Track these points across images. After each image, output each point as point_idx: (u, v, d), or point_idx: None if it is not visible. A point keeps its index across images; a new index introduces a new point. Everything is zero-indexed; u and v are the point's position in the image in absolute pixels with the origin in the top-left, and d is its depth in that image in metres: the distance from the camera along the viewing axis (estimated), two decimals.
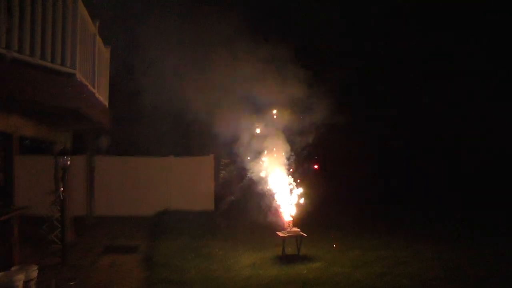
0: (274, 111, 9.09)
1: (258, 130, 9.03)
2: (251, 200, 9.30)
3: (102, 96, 8.09)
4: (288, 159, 8.95)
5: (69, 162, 8.09)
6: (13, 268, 6.15)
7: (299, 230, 8.50)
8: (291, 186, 8.85)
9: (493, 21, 16.65)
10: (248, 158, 9.00)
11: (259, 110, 9.15)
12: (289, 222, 8.56)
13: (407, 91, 17.84)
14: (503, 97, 17.04)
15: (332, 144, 15.47)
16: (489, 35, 17.10)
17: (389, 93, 17.72)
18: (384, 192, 17.40)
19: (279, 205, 8.82)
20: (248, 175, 9.06)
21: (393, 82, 17.67)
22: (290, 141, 9.02)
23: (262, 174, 8.90)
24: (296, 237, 8.34)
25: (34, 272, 6.08)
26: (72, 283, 6.67)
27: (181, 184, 14.81)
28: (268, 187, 8.88)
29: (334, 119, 9.81)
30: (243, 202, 9.22)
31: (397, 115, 17.78)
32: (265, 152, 8.93)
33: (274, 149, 8.92)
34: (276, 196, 8.85)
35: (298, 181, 8.87)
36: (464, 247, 9.12)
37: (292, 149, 9.00)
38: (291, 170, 8.89)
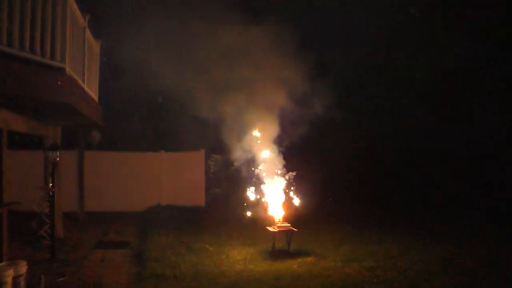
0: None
1: (256, 132, 9.03)
2: (239, 193, 9.31)
3: (92, 90, 8.03)
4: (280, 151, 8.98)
5: (58, 158, 8.02)
6: (1, 264, 6.10)
7: (289, 225, 8.53)
8: (283, 182, 8.87)
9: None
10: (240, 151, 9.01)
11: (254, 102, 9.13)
12: (279, 217, 8.59)
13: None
14: None
15: (327, 138, 15.49)
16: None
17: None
18: (377, 188, 17.52)
19: (268, 200, 8.84)
20: (237, 164, 9.11)
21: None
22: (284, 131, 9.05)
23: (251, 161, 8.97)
24: (286, 232, 8.37)
25: (23, 268, 6.02)
26: (62, 278, 6.64)
27: (172, 179, 14.78)
28: (257, 176, 8.92)
29: (332, 112, 9.84)
30: (232, 195, 9.24)
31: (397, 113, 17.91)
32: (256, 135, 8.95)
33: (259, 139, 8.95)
34: (266, 190, 8.87)
35: (290, 176, 8.89)
36: (455, 241, 9.21)
37: (284, 140, 9.02)
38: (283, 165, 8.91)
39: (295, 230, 8.45)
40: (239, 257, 7.94)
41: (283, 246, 8.39)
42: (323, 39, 14.95)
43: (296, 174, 8.89)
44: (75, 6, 6.19)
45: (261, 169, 8.95)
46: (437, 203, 15.08)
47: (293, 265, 7.44)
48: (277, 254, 8.11)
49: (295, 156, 9.39)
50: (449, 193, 16.09)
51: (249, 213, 9.07)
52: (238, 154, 9.20)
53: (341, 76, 14.93)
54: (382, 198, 16.17)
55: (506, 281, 6.54)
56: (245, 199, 8.97)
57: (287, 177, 8.88)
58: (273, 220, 8.65)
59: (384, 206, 14.55)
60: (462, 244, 9.02)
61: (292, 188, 8.86)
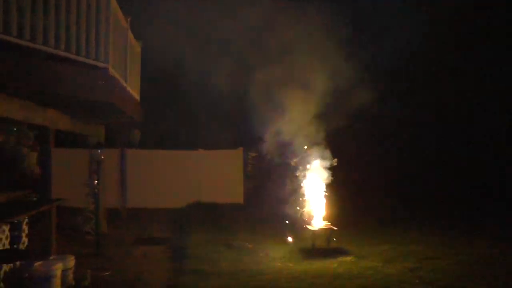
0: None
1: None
2: (280, 191, 9.24)
3: (134, 89, 8.23)
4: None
5: (102, 155, 8.27)
6: (51, 258, 6.36)
7: (329, 223, 8.46)
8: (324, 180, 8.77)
9: None
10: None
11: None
12: (319, 216, 8.53)
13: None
14: None
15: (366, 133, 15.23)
16: None
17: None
18: (418, 186, 17.13)
19: (309, 199, 8.78)
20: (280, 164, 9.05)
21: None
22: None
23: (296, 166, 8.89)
24: (326, 231, 8.29)
25: (71, 262, 6.26)
26: (107, 273, 6.85)
27: (211, 177, 14.90)
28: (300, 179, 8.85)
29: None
30: (272, 193, 9.19)
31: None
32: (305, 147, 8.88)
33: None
34: (307, 190, 8.81)
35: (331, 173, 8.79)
36: (500, 243, 8.87)
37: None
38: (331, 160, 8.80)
39: (335, 229, 8.36)
40: (278, 255, 7.93)
41: (323, 245, 8.31)
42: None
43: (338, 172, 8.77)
44: (118, 9, 6.35)
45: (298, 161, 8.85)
46: (478, 201, 14.59)
47: (333, 264, 7.35)
48: (316, 253, 8.04)
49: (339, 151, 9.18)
50: (490, 191, 15.58)
51: (290, 239, 8.98)
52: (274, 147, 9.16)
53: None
54: (422, 197, 15.79)
55: None
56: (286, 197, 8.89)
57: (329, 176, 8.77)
58: (313, 219, 8.59)
59: (424, 206, 14.16)
60: (506, 242, 8.71)
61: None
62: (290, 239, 8.79)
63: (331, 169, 8.88)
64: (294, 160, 8.98)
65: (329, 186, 8.84)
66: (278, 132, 9.27)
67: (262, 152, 10.00)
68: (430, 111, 17.58)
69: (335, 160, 8.77)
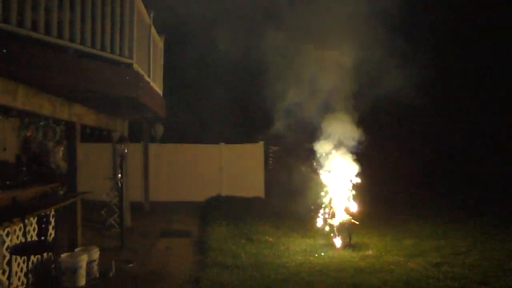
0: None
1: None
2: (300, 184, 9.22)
3: (157, 85, 8.32)
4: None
5: (126, 150, 8.41)
6: (77, 250, 6.52)
7: (350, 218, 8.43)
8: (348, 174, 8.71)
9: None
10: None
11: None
12: (341, 209, 8.50)
13: None
14: None
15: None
16: None
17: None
18: (443, 180, 16.98)
19: (331, 192, 8.74)
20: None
21: None
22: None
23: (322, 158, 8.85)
24: (348, 225, 8.27)
25: (96, 254, 6.41)
26: (131, 265, 6.99)
27: (232, 170, 15.03)
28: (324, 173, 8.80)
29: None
30: (293, 186, 9.17)
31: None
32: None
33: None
34: (328, 183, 8.77)
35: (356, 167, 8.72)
36: None
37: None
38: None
39: (357, 223, 8.33)
40: (299, 249, 7.95)
41: (344, 239, 8.29)
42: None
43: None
44: (141, 5, 6.42)
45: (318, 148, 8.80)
46: (504, 196, 14.33)
47: (355, 258, 7.34)
48: (338, 247, 8.03)
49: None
50: None
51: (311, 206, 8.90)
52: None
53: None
54: (447, 191, 15.60)
55: None
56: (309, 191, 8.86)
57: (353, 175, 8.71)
58: (335, 213, 8.57)
59: (449, 200, 13.98)
60: None
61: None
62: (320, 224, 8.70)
63: (356, 160, 8.80)
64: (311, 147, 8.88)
65: (354, 178, 8.76)
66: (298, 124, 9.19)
67: (283, 146, 9.94)
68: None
69: (360, 150, 8.69)
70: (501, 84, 17.72)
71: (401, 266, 6.86)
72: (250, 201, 13.76)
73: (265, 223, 10.05)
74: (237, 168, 15.10)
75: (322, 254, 7.66)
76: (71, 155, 6.88)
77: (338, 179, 8.69)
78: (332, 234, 8.31)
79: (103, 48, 5.40)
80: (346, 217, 8.44)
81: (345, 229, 8.28)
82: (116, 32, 5.59)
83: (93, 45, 5.28)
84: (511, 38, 16.82)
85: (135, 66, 5.98)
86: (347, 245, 8.08)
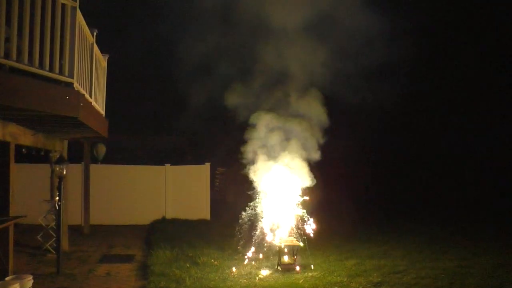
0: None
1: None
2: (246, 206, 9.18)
3: (99, 104, 8.10)
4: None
5: (65, 171, 8.07)
6: (7, 278, 6.11)
7: (295, 239, 8.50)
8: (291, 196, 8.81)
9: None
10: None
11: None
12: (285, 231, 8.56)
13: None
14: None
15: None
16: None
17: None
18: (381, 200, 17.62)
19: (275, 214, 8.79)
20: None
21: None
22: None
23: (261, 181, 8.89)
24: (292, 247, 8.33)
25: (29, 282, 6.05)
26: None
27: (177, 192, 14.79)
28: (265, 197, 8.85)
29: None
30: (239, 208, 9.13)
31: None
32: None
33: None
34: (272, 205, 8.82)
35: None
36: (460, 256, 9.16)
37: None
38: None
39: (301, 244, 8.41)
40: (244, 272, 7.90)
41: (289, 261, 8.34)
42: None
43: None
44: (83, 22, 6.27)
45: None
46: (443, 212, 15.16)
47: (299, 280, 7.38)
48: (282, 269, 8.06)
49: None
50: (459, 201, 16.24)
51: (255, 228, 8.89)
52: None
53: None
54: (389, 211, 16.20)
55: None
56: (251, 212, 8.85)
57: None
58: (278, 234, 8.61)
59: (390, 219, 14.51)
60: (469, 255, 9.08)
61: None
62: (250, 254, 8.67)
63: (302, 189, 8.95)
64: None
65: (298, 199, 8.88)
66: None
67: (229, 167, 9.93)
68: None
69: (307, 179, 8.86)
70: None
71: (344, 286, 6.99)
72: (196, 224, 13.56)
73: (211, 246, 9.92)
74: (183, 190, 14.88)
75: (267, 276, 7.65)
76: (3, 177, 6.50)
77: (282, 198, 8.76)
78: (276, 256, 8.33)
79: (41, 66, 5.19)
80: (290, 238, 8.50)
81: (289, 251, 8.34)
82: (56, 49, 5.40)
83: (30, 63, 5.07)
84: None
85: (76, 85, 5.80)
86: (291, 267, 8.12)
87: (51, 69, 5.35)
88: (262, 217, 8.75)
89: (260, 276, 7.65)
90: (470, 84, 18.93)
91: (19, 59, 4.93)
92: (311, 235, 8.67)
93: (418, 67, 18.19)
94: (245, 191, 9.08)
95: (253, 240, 8.73)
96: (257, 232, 8.68)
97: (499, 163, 18.69)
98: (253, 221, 8.82)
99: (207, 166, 15.26)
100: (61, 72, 5.52)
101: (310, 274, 7.74)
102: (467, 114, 19.39)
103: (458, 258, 8.91)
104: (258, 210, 8.83)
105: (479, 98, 18.90)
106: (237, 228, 8.85)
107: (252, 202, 8.90)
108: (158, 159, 15.93)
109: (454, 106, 19.64)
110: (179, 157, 17.57)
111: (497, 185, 18.15)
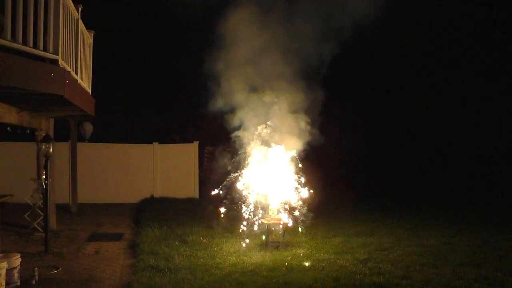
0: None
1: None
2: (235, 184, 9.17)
3: (85, 82, 7.98)
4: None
5: (51, 149, 7.99)
6: None
7: (283, 217, 8.57)
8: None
9: None
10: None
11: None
12: (274, 209, 8.61)
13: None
14: None
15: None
16: None
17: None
18: (370, 180, 17.85)
19: (264, 192, 8.80)
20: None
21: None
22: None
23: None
24: (280, 225, 8.40)
25: (17, 260, 6.02)
26: (56, 271, 6.64)
27: (166, 171, 14.77)
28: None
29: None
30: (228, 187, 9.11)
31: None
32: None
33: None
34: (262, 183, 8.81)
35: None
36: (445, 234, 9.35)
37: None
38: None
39: (288, 222, 8.49)
40: (232, 250, 7.96)
41: (277, 239, 8.42)
42: None
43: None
44: None
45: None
46: (428, 194, 15.40)
47: (287, 257, 7.47)
48: (270, 246, 8.14)
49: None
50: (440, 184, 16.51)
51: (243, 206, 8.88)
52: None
53: None
54: (375, 190, 16.40)
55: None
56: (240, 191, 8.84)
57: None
58: (268, 212, 8.66)
59: (376, 199, 14.70)
60: (453, 233, 9.30)
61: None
62: (239, 231, 8.72)
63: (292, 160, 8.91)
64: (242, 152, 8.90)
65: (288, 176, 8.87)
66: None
67: (218, 145, 9.85)
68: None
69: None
70: None
71: (331, 263, 7.09)
72: (185, 202, 13.59)
73: (199, 224, 9.97)
74: (171, 168, 14.86)
75: (255, 254, 7.73)
76: None
77: (272, 174, 8.72)
78: (265, 234, 8.41)
79: (25, 42, 5.07)
80: (278, 216, 8.56)
81: (278, 229, 8.41)
82: (40, 25, 5.27)
83: (13, 39, 4.95)
84: None
85: (61, 62, 5.69)
86: (279, 244, 8.21)
87: (35, 46, 5.24)
88: (250, 194, 8.73)
89: (248, 253, 7.72)
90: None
91: (1, 35, 4.82)
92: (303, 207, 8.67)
93: None
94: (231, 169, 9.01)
95: (242, 217, 8.76)
96: (246, 210, 8.70)
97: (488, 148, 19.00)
98: (242, 199, 8.81)
99: (195, 144, 15.22)
100: (45, 49, 5.41)
101: (297, 251, 7.83)
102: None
103: (443, 236, 9.11)
104: (247, 184, 8.79)
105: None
106: (225, 206, 8.86)
107: (234, 174, 8.84)
108: (146, 137, 15.81)
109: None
110: (167, 136, 17.45)
111: (486, 169, 18.49)
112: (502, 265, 6.93)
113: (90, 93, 8.59)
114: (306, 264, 7.08)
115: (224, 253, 7.71)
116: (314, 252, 7.79)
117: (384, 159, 20.15)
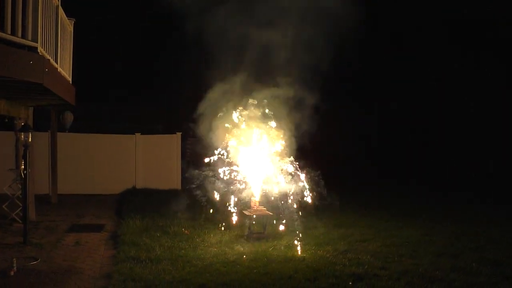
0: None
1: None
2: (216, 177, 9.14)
3: (65, 70, 7.85)
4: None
5: (30, 139, 7.85)
6: None
7: (265, 209, 8.60)
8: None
9: None
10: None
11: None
12: (255, 201, 8.63)
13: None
14: None
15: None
16: None
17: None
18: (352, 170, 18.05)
19: (246, 183, 8.82)
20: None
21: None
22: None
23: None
24: (262, 216, 8.44)
25: None
26: (35, 262, 6.56)
27: (148, 162, 14.67)
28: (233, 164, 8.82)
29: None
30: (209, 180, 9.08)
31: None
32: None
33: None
34: (243, 174, 8.82)
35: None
36: (424, 225, 9.52)
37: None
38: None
39: (271, 214, 8.52)
40: (214, 241, 7.97)
41: (259, 230, 8.46)
42: None
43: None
44: None
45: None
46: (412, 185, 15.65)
47: (268, 248, 7.51)
48: (252, 237, 8.17)
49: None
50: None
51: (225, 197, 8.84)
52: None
53: None
54: (356, 182, 16.57)
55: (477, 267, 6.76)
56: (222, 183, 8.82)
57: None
58: (250, 204, 8.68)
59: (359, 190, 14.86)
60: (432, 224, 9.51)
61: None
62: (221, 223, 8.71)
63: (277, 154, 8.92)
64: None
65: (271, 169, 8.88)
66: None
67: (200, 136, 9.77)
68: None
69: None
70: None
71: (312, 254, 7.16)
72: (167, 193, 13.51)
73: (181, 216, 9.94)
74: (153, 159, 14.76)
75: (237, 245, 7.75)
76: None
77: (255, 164, 8.72)
78: (247, 225, 8.43)
79: (2, 28, 4.96)
80: (260, 208, 8.58)
81: (260, 220, 8.44)
82: (18, 10, 5.15)
83: None
84: None
85: (40, 49, 5.58)
86: (261, 236, 8.24)
87: (13, 32, 5.12)
88: (233, 185, 8.72)
89: (230, 244, 7.73)
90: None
91: None
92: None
93: None
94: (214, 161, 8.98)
95: (224, 209, 8.76)
96: (228, 201, 8.71)
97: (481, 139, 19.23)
98: (224, 190, 8.80)
99: (178, 135, 15.14)
100: (24, 36, 5.29)
101: (279, 242, 7.88)
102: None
103: (422, 227, 9.28)
104: (229, 175, 8.79)
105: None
106: (207, 197, 8.85)
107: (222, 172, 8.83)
108: (128, 128, 15.66)
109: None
110: (149, 126, 17.29)
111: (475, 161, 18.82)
112: (478, 256, 7.10)
113: (71, 82, 8.45)
114: (287, 255, 7.13)
115: (206, 244, 7.72)
116: (295, 243, 7.84)
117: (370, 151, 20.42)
